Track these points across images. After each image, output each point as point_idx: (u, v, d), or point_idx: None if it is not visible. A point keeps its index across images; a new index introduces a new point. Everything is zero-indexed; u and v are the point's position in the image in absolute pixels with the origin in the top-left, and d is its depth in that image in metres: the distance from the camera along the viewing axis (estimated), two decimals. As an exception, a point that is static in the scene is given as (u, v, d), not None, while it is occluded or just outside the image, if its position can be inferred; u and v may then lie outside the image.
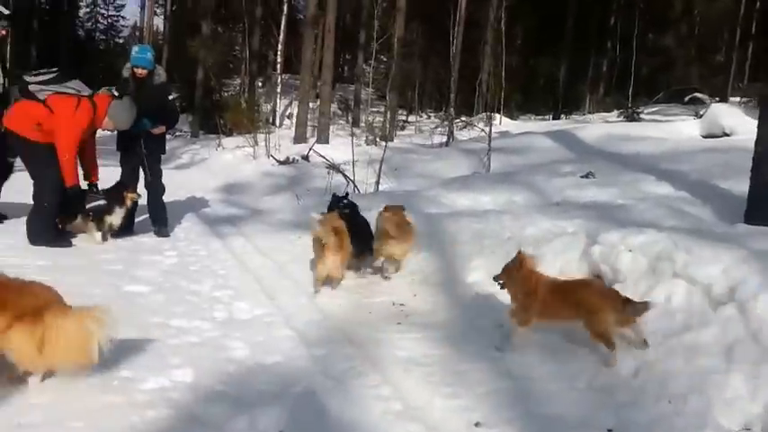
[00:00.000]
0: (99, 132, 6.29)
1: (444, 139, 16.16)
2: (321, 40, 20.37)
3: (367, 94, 24.73)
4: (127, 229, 6.65)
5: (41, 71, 5.95)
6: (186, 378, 3.25)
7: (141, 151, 6.61)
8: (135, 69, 6.50)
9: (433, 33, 26.07)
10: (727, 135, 11.05)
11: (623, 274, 4.32)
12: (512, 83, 21.59)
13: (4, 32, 6.35)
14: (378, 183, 9.81)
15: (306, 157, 14.74)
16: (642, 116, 17.00)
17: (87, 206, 6.20)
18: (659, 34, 28.29)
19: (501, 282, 4.06)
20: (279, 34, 24.25)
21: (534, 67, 29.02)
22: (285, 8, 24.55)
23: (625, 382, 3.44)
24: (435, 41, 25.69)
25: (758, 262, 3.77)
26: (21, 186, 6.53)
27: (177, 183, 9.71)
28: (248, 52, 25.86)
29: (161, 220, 6.83)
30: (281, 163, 14.73)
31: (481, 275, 4.95)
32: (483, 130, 14.45)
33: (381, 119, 21.30)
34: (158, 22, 42.03)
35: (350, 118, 25.40)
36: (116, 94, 6.34)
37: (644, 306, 3.63)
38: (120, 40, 51.45)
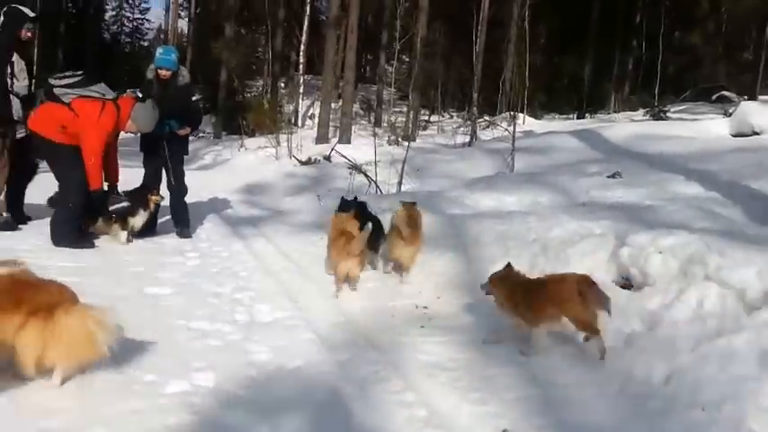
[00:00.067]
0: (122, 134, 6.30)
1: (467, 138, 16.01)
2: (343, 41, 20.36)
3: (389, 93, 24.69)
4: (149, 230, 6.67)
5: (66, 74, 5.99)
6: (208, 382, 3.21)
7: (164, 153, 6.62)
8: (159, 71, 6.51)
9: (456, 32, 25.96)
10: (757, 134, 10.76)
11: (653, 277, 4.19)
12: (536, 82, 21.42)
13: (29, 35, 6.38)
14: (400, 183, 9.73)
15: (328, 158, 14.72)
16: (669, 115, 16.71)
17: (111, 208, 6.23)
18: (686, 32, 27.89)
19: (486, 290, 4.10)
20: (301, 35, 24.33)
21: (558, 66, 28.75)
22: (308, 9, 24.62)
23: (656, 390, 3.33)
24: (458, 41, 25.57)
25: (794, 265, 3.64)
26: (45, 188, 6.58)
27: (200, 184, 9.72)
28: (271, 53, 26.02)
29: (183, 221, 6.83)
30: (302, 163, 14.73)
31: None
32: (507, 129, 14.31)
33: (403, 119, 21.24)
34: (182, 24, 42.41)
35: (372, 118, 25.38)
36: (140, 95, 6.37)
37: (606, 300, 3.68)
38: (145, 43, 52.13)
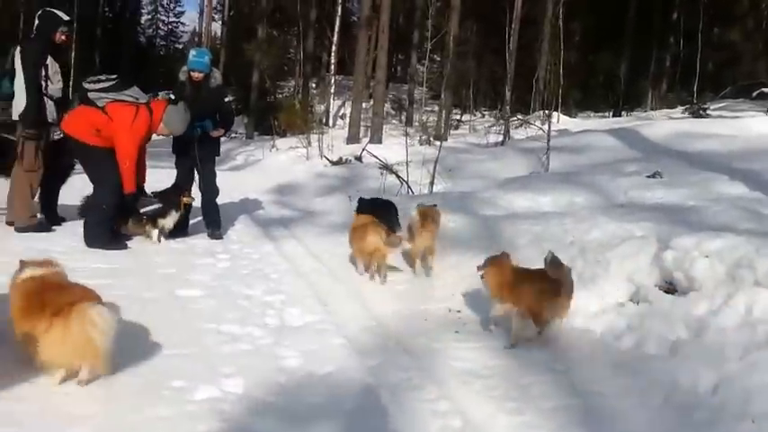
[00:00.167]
0: (153, 136, 6.32)
1: (500, 138, 15.79)
2: (375, 41, 20.31)
3: (420, 93, 24.56)
4: (181, 230, 6.67)
5: (101, 78, 6.03)
6: (237, 389, 3.14)
7: (195, 154, 6.62)
8: (191, 73, 6.51)
9: (488, 31, 25.71)
10: (800, 131, 10.36)
11: (699, 282, 4.01)
12: (570, 80, 21.06)
13: (64, 38, 6.44)
14: (432, 184, 9.60)
15: (359, 158, 14.65)
16: (708, 112, 16.25)
17: (143, 210, 6.26)
18: (725, 28, 27.16)
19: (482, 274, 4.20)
20: (333, 36, 24.38)
21: (593, 64, 28.27)
22: (339, 10, 24.67)
23: (703, 400, 3.16)
24: (490, 39, 25.32)
25: None
26: (79, 189, 6.63)
27: (231, 184, 9.74)
28: (302, 54, 26.13)
29: (214, 222, 6.82)
30: (333, 164, 14.69)
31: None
32: (540, 128, 14.08)
33: (435, 118, 21.10)
34: (216, 27, 42.90)
35: (403, 117, 25.30)
36: (172, 97, 6.39)
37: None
38: (180, 46, 52.97)
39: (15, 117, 6.15)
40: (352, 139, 18.03)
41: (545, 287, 3.89)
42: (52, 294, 3.04)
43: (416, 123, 21.51)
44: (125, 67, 35.65)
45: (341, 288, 5.14)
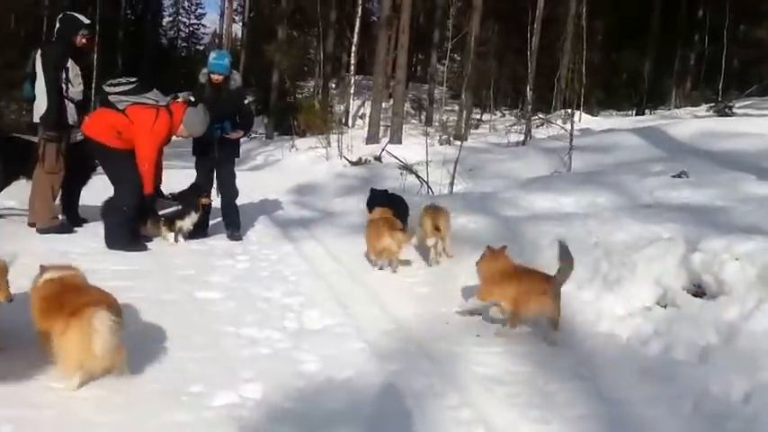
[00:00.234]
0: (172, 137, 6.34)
1: (521, 137, 15.64)
2: (395, 41, 20.25)
3: (440, 92, 24.45)
4: (201, 231, 6.68)
5: (121, 81, 6.08)
6: (256, 394, 3.09)
7: (215, 155, 6.62)
8: (211, 75, 6.52)
9: (509, 30, 25.50)
10: (828, 130, 10.08)
11: (729, 286, 3.87)
12: (593, 78, 20.78)
13: (84, 41, 6.47)
14: (452, 184, 9.51)
15: (378, 158, 14.60)
16: (734, 111, 15.93)
17: (162, 211, 6.27)
18: (751, 25, 26.65)
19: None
20: (353, 36, 24.37)
21: (616, 62, 27.91)
22: (359, 11, 24.65)
23: (735, 409, 3.05)
24: (511, 38, 25.11)
25: None
26: (100, 190, 6.65)
27: (251, 184, 9.73)
28: (322, 55, 26.16)
29: (234, 223, 6.81)
30: (353, 164, 14.64)
31: (566, 285, 4.57)
32: (563, 127, 13.91)
33: (455, 118, 20.97)
34: (237, 28, 43.19)
35: (423, 117, 25.21)
36: (192, 99, 6.40)
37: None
38: (201, 47, 53.29)
39: (36, 120, 6.19)
40: (372, 139, 17.98)
41: (530, 286, 4.01)
42: (69, 296, 3.07)
43: (436, 123, 21.40)
44: (146, 68, 36.04)
45: (360, 290, 5.08)
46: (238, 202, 6.93)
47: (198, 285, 4.90)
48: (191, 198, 6.41)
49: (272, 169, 15.74)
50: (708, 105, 19.07)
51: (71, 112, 6.27)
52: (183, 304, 4.43)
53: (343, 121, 22.53)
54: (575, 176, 8.67)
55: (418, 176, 9.87)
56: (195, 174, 6.85)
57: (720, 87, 24.12)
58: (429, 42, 27.54)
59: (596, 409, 3.12)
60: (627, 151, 10.37)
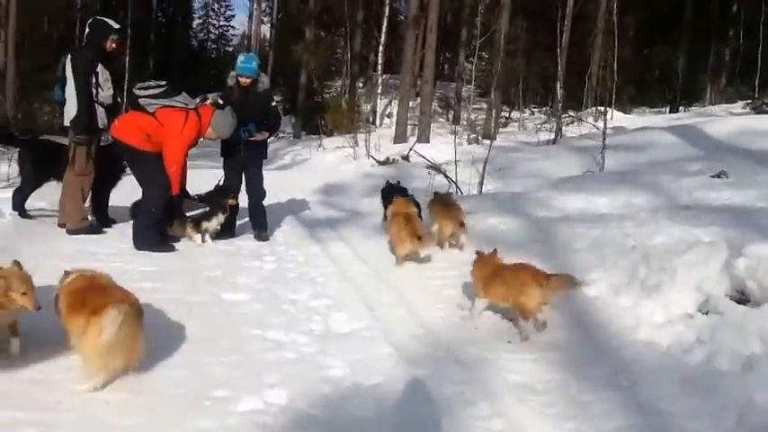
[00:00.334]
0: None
1: (551, 136, 15.38)
2: (422, 40, 20.12)
3: (468, 91, 24.23)
4: (228, 232, 6.66)
5: (150, 84, 6.11)
6: (281, 400, 3.02)
7: (242, 157, 6.60)
8: (239, 78, 6.51)
9: (537, 27, 25.16)
10: None
11: (775, 292, 3.69)
12: (624, 75, 20.39)
13: (114, 46, 6.48)
14: (481, 184, 9.35)
15: (406, 158, 14.49)
16: (772, 107, 15.49)
17: (189, 213, 6.26)
18: (787, 20, 25.91)
19: None
20: (380, 36, 24.30)
21: (649, 58, 27.36)
22: (387, 10, 24.58)
23: (783, 422, 2.88)
24: (540, 35, 24.77)
25: None
26: (128, 191, 6.67)
27: (278, 184, 9.72)
28: (349, 54, 26.15)
29: (261, 224, 6.78)
30: (380, 163, 14.56)
31: (602, 289, 4.42)
32: (594, 125, 13.63)
33: (483, 116, 20.77)
34: (265, 29, 43.46)
35: (450, 116, 25.03)
36: (221, 102, 6.42)
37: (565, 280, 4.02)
38: (230, 49, 53.83)
39: (67, 123, 6.24)
40: (399, 138, 17.87)
41: (515, 280, 4.10)
42: (92, 296, 3.10)
43: (464, 122, 21.21)
44: (177, 70, 36.51)
45: (388, 292, 4.98)
46: (266, 201, 6.90)
47: (224, 287, 4.86)
48: (218, 199, 6.40)
49: (299, 169, 15.74)
50: (744, 102, 18.60)
51: (101, 116, 6.30)
52: (209, 306, 4.39)
53: (371, 120, 22.46)
54: (608, 176, 8.45)
55: (447, 176, 9.73)
56: (222, 174, 6.84)
57: (757, 83, 23.50)
58: (456, 41, 27.33)
59: (635, 421, 2.99)
60: (662, 150, 10.10)
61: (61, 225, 6.40)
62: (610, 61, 18.41)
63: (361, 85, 28.96)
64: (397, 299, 4.80)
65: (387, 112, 24.91)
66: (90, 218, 6.61)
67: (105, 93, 6.35)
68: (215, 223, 6.35)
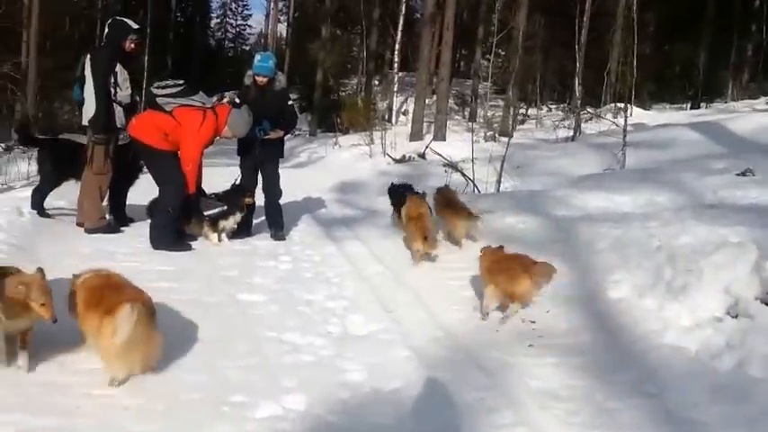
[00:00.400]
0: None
1: (570, 133, 15.18)
2: (438, 38, 19.98)
3: (484, 88, 24.05)
4: (244, 231, 6.62)
5: (168, 83, 6.10)
6: (299, 405, 2.96)
7: (257, 155, 6.55)
8: (256, 77, 6.45)
9: (555, 23, 24.91)
10: None
11: (808, 296, 3.56)
12: (644, 71, 20.11)
13: (133, 46, 6.46)
14: (499, 182, 9.22)
15: (422, 155, 14.38)
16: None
17: (207, 212, 6.24)
18: (811, 15, 25.41)
19: None
20: (396, 34, 24.20)
21: (669, 53, 26.97)
22: (403, 8, 24.46)
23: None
24: (557, 31, 24.52)
25: None
26: (146, 190, 6.64)
27: (294, 182, 9.66)
28: (365, 52, 26.10)
29: (277, 224, 6.72)
30: (396, 161, 14.46)
31: (626, 291, 4.30)
32: (614, 122, 13.44)
33: (499, 113, 20.60)
34: (281, 28, 43.52)
35: (466, 113, 24.87)
36: (237, 101, 6.40)
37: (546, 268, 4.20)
38: (247, 47, 54.03)
39: (86, 122, 6.24)
40: (415, 136, 17.74)
41: (509, 268, 4.27)
42: (106, 295, 3.10)
43: (480, 119, 21.04)
44: (195, 69, 36.69)
45: (405, 293, 4.90)
46: (282, 200, 6.84)
47: (241, 287, 4.81)
48: (235, 198, 6.36)
49: (315, 167, 15.68)
50: (766, 98, 18.22)
51: (119, 116, 6.28)
52: (225, 307, 4.34)
53: (386, 117, 22.37)
54: (630, 174, 8.30)
55: (464, 174, 9.61)
56: (239, 171, 6.81)
57: (781, 79, 23.10)
58: (473, 38, 27.15)
59: (663, 429, 2.90)
60: (684, 147, 9.91)
61: (79, 224, 6.39)
62: (630, 57, 18.22)
63: (376, 82, 28.89)
64: (414, 300, 4.72)
65: (402, 110, 24.80)
66: (108, 217, 6.60)
67: (123, 92, 6.33)
68: (232, 222, 6.32)
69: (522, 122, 22.29)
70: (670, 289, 4.12)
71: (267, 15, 46.79)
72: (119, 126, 6.31)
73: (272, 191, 6.70)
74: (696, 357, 3.50)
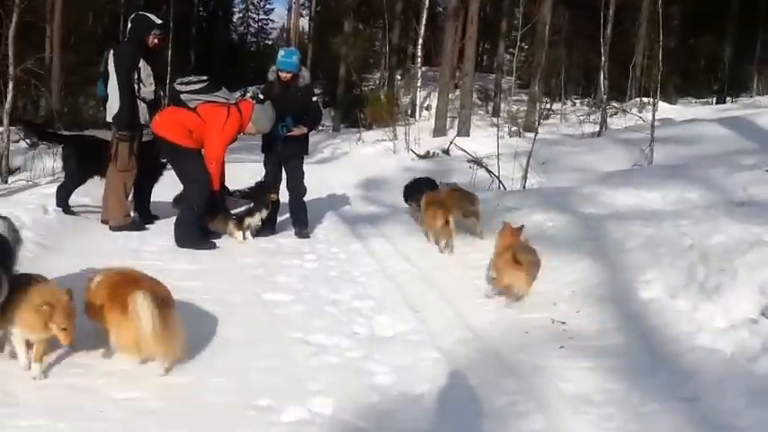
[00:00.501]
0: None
1: (596, 128, 14.96)
2: (462, 32, 19.80)
3: (508, 82, 23.83)
4: (269, 228, 6.60)
5: (192, 80, 6.09)
6: (325, 409, 2.92)
7: (280, 152, 6.52)
8: (280, 73, 6.42)
9: (579, 16, 24.59)
10: None
11: None
12: (669, 65, 19.77)
13: (156, 41, 6.46)
14: (525, 178, 9.10)
15: (446, 151, 14.28)
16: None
17: (234, 210, 6.24)
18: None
19: None
20: (419, 28, 24.06)
21: (694, 47, 26.49)
22: (426, 2, 24.32)
23: None
24: (582, 24, 24.21)
25: None
26: (170, 186, 6.66)
27: (318, 178, 9.63)
28: (388, 47, 26.00)
29: (301, 221, 6.70)
30: (420, 157, 14.38)
31: (658, 291, 4.19)
32: (640, 117, 13.21)
33: (523, 108, 20.39)
34: (304, 22, 43.59)
35: (489, 108, 24.67)
36: (261, 97, 6.37)
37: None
38: (269, 42, 54.16)
39: (109, 119, 6.25)
40: (439, 131, 17.63)
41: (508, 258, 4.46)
42: (123, 287, 3.13)
43: (503, 114, 20.84)
44: (218, 64, 36.86)
45: (432, 293, 4.84)
46: (306, 197, 6.80)
47: (265, 286, 4.79)
48: (260, 195, 6.34)
49: (338, 162, 15.64)
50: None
51: (143, 112, 6.29)
52: (250, 307, 4.32)
53: (409, 113, 22.27)
54: (658, 170, 8.12)
55: (489, 171, 9.52)
56: (254, 168, 6.78)
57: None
58: (496, 32, 26.91)
59: (702, 435, 2.80)
60: (713, 143, 9.69)
61: (104, 221, 6.43)
62: (655, 51, 17.91)
63: (399, 77, 28.78)
64: (441, 300, 4.66)
65: (425, 105, 24.67)
66: (132, 214, 6.62)
67: (147, 88, 6.33)
68: (257, 219, 6.30)
69: (547, 117, 22.02)
70: (703, 289, 4.01)
71: (289, 10, 47.09)
72: (142, 123, 6.32)
73: (297, 188, 6.67)
74: (732, 360, 3.40)
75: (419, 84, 23.95)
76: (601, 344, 3.79)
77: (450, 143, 14.24)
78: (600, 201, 6.55)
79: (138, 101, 6.25)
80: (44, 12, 19.19)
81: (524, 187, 8.82)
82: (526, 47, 24.19)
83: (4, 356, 3.16)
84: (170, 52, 24.05)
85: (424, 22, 23.85)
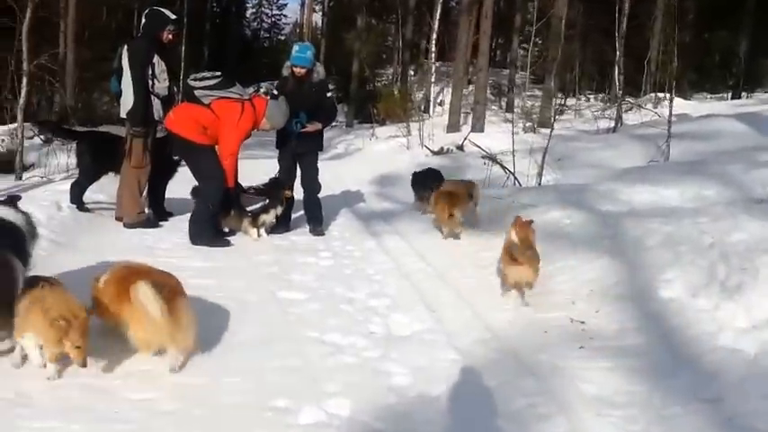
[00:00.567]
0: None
1: (611, 123, 14.82)
2: (475, 26, 19.66)
3: (521, 78, 23.66)
4: (283, 226, 6.58)
5: (206, 75, 6.06)
6: (342, 411, 2.89)
7: (293, 148, 6.49)
8: (294, 68, 6.37)
9: (593, 10, 24.36)
10: None
11: None
12: (684, 60, 19.54)
13: (171, 37, 6.44)
14: (540, 175, 9.01)
15: (460, 147, 14.19)
16: None
17: (250, 207, 6.22)
18: None
19: None
20: (433, 23, 23.94)
21: (709, 42, 26.18)
22: (441, -4, 24.21)
23: None
24: (596, 18, 23.98)
25: None
26: (184, 182, 6.66)
27: (332, 174, 9.61)
28: (401, 42, 25.92)
29: (316, 218, 6.66)
30: (434, 153, 14.30)
31: (679, 290, 4.12)
32: (656, 112, 13.07)
33: (537, 104, 20.23)
34: (317, 17, 43.56)
35: (503, 103, 24.52)
36: (275, 92, 6.33)
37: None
38: (283, 37, 54.14)
39: (123, 115, 6.24)
40: (453, 127, 17.53)
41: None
42: (133, 280, 3.10)
43: (517, 109, 20.71)
44: (231, 60, 36.91)
45: (449, 291, 4.80)
46: (320, 194, 6.77)
47: (280, 284, 4.77)
48: (275, 192, 6.32)
49: (352, 159, 15.60)
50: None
51: (157, 108, 6.26)
52: (265, 305, 4.30)
53: (423, 108, 22.17)
54: (675, 166, 8.00)
55: (503, 167, 9.44)
56: (269, 164, 6.76)
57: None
58: (510, 26, 26.73)
59: (728, 438, 2.74)
60: (730, 139, 9.58)
61: (118, 218, 6.42)
62: (670, 46, 17.70)
63: (412, 72, 28.68)
64: (458, 299, 4.62)
65: (438, 100, 24.57)
66: (147, 211, 6.62)
67: (161, 84, 6.30)
68: (272, 216, 6.28)
69: (561, 112, 21.86)
70: (724, 288, 3.94)
71: (302, 5, 46.99)
72: (156, 119, 6.30)
73: (311, 185, 6.63)
74: (755, 361, 3.32)
75: (433, 79, 23.83)
76: (621, 344, 3.73)
77: (465, 139, 14.15)
78: (617, 198, 6.47)
79: (152, 97, 6.23)
80: (58, 7, 19.21)
81: (540, 184, 8.74)
82: (540, 41, 24.02)
83: (16, 357, 3.14)
84: (184, 48, 24.09)
85: (437, 16, 23.70)
